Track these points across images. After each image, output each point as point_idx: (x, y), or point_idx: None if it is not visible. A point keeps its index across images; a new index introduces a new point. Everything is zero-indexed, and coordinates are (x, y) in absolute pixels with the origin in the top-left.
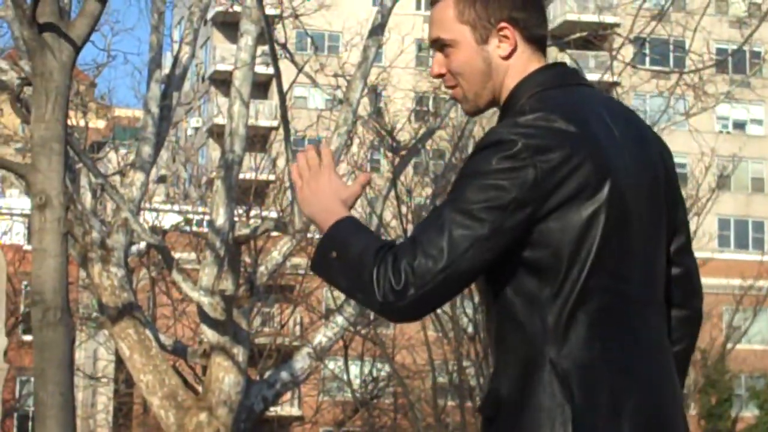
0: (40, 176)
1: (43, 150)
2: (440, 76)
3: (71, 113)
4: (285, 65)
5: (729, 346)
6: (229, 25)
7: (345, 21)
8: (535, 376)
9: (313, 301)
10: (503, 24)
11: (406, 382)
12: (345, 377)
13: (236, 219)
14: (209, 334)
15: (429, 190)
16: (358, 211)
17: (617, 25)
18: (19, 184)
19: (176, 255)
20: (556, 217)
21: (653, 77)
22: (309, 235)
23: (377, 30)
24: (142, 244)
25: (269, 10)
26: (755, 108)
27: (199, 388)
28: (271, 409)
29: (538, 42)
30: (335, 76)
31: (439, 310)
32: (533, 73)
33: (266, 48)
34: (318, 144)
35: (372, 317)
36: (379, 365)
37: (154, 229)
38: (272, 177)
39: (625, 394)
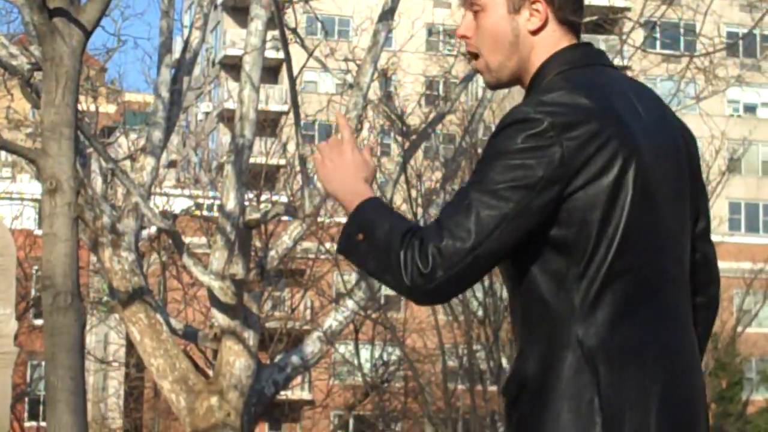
0: (50, 161)
1: (54, 135)
2: (464, 37)
3: (81, 98)
4: (295, 50)
5: (739, 329)
6: (239, 10)
7: (355, 5)
8: (561, 356)
9: (324, 285)
10: None
11: (416, 366)
12: (355, 361)
13: (246, 203)
14: (220, 318)
15: (439, 175)
16: None
17: (628, 8)
18: (29, 169)
19: (187, 239)
20: (582, 195)
21: (663, 61)
22: (319, 220)
23: (387, 14)
24: (153, 229)
25: None
26: (766, 91)
27: (210, 372)
28: (282, 393)
29: (569, 25)
30: (345, 60)
31: None
32: (561, 51)
33: (276, 33)
34: (330, 130)
35: (383, 301)
36: (389, 349)
37: (164, 214)
38: (282, 161)
39: (653, 374)
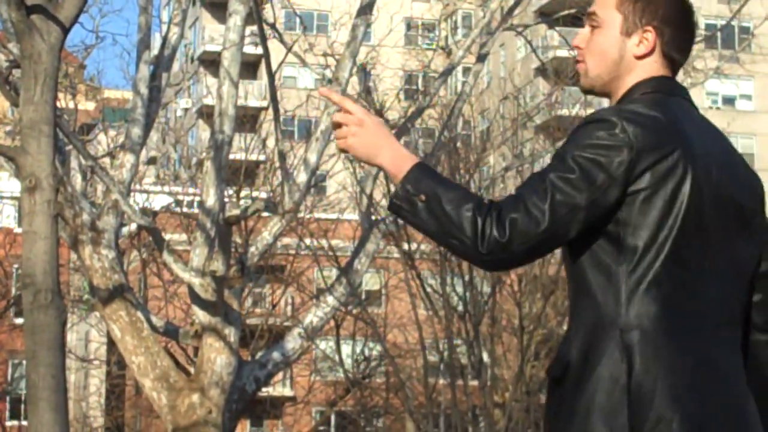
0: (29, 159)
1: (33, 132)
2: (578, 48)
3: (60, 95)
4: (274, 45)
5: None
6: (217, 5)
7: (333, 0)
8: (601, 344)
9: (304, 281)
10: (649, 27)
11: (397, 362)
12: (337, 357)
13: (226, 200)
14: (201, 315)
15: None
16: (349, 191)
17: None
18: (8, 167)
19: (167, 236)
20: (642, 198)
21: None
22: (299, 215)
23: (366, 9)
24: (133, 226)
25: None
26: (744, 83)
27: (191, 369)
28: (263, 389)
29: (671, 60)
30: (324, 55)
31: (429, 289)
32: (654, 77)
33: (255, 28)
34: (310, 125)
35: (363, 297)
36: (370, 345)
37: (144, 211)
38: (262, 157)
39: (685, 373)
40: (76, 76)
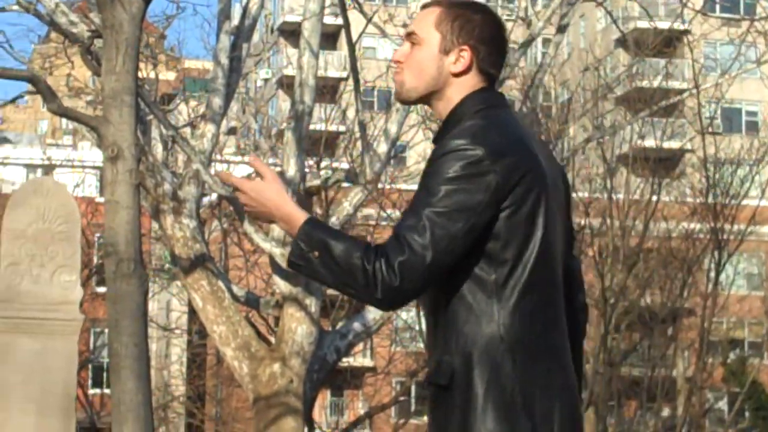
0: (111, 128)
1: (114, 102)
2: (398, 62)
3: (141, 65)
4: (354, 16)
5: None
6: None
7: None
8: (486, 349)
9: None
10: (465, 47)
11: None
12: (417, 327)
13: (307, 170)
14: (281, 285)
15: None
16: None
17: None
18: (90, 137)
19: None
20: (509, 214)
21: (724, 25)
22: (380, 186)
23: None
24: (214, 196)
25: None
26: None
27: (272, 339)
28: (344, 359)
29: (488, 76)
30: (404, 26)
31: None
32: (477, 91)
33: None
34: (389, 96)
35: None
36: None
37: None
38: (342, 128)
39: (556, 372)
40: (157, 46)
